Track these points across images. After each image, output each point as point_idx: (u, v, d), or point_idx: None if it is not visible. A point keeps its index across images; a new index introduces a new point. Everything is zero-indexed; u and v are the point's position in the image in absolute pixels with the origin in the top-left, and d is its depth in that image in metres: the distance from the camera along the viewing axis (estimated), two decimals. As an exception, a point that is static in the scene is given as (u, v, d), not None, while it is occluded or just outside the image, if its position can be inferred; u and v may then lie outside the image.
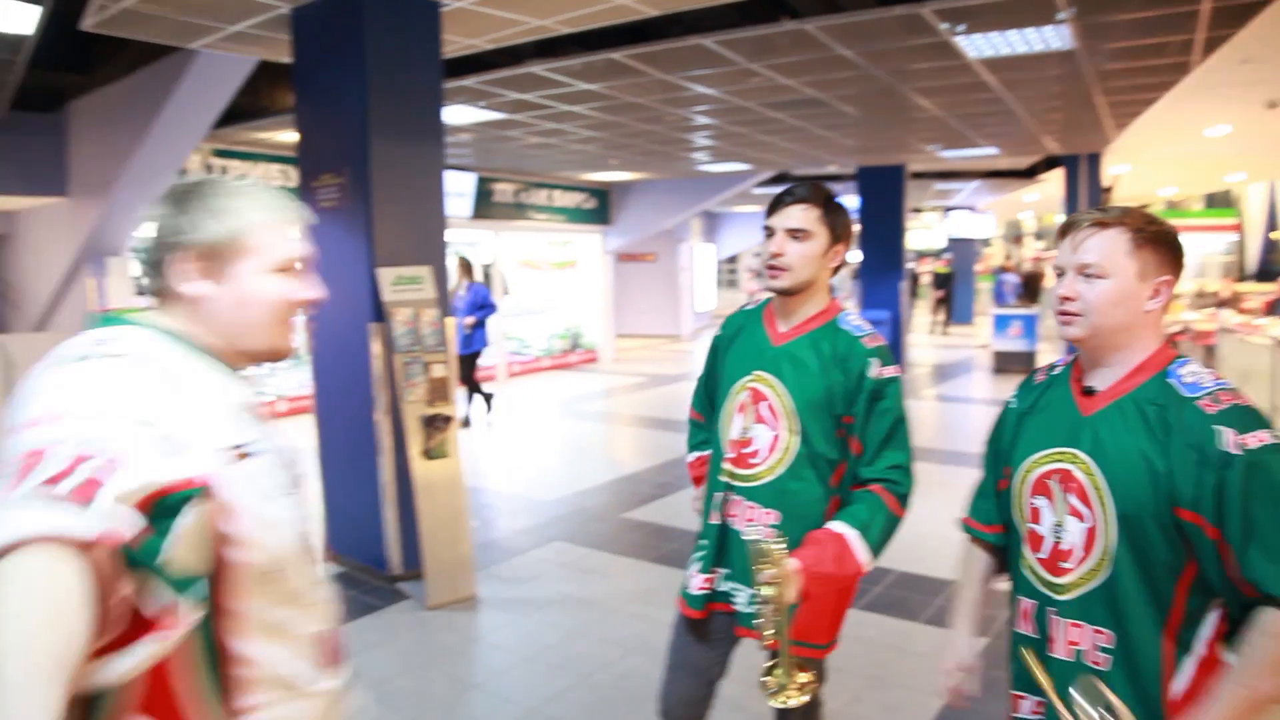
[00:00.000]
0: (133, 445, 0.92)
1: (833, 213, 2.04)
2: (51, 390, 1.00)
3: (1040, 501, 1.57)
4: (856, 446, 2.01)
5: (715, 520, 2.10)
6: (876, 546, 1.96)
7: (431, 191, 4.70)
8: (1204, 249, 19.95)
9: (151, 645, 0.85)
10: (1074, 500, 1.51)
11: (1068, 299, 1.51)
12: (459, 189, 11.16)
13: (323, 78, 4.59)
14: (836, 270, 2.10)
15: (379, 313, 4.39)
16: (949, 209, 18.62)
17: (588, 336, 14.52)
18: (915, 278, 17.13)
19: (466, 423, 8.70)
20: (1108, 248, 1.48)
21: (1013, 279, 15.37)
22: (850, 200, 15.67)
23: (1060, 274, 1.54)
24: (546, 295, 14.11)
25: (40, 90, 7.34)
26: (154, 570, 0.84)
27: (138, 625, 0.83)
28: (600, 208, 14.51)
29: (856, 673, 3.35)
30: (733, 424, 2.10)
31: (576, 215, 14.07)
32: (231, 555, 1.07)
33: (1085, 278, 1.49)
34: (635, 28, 5.55)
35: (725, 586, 2.09)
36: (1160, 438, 1.42)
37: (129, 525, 0.84)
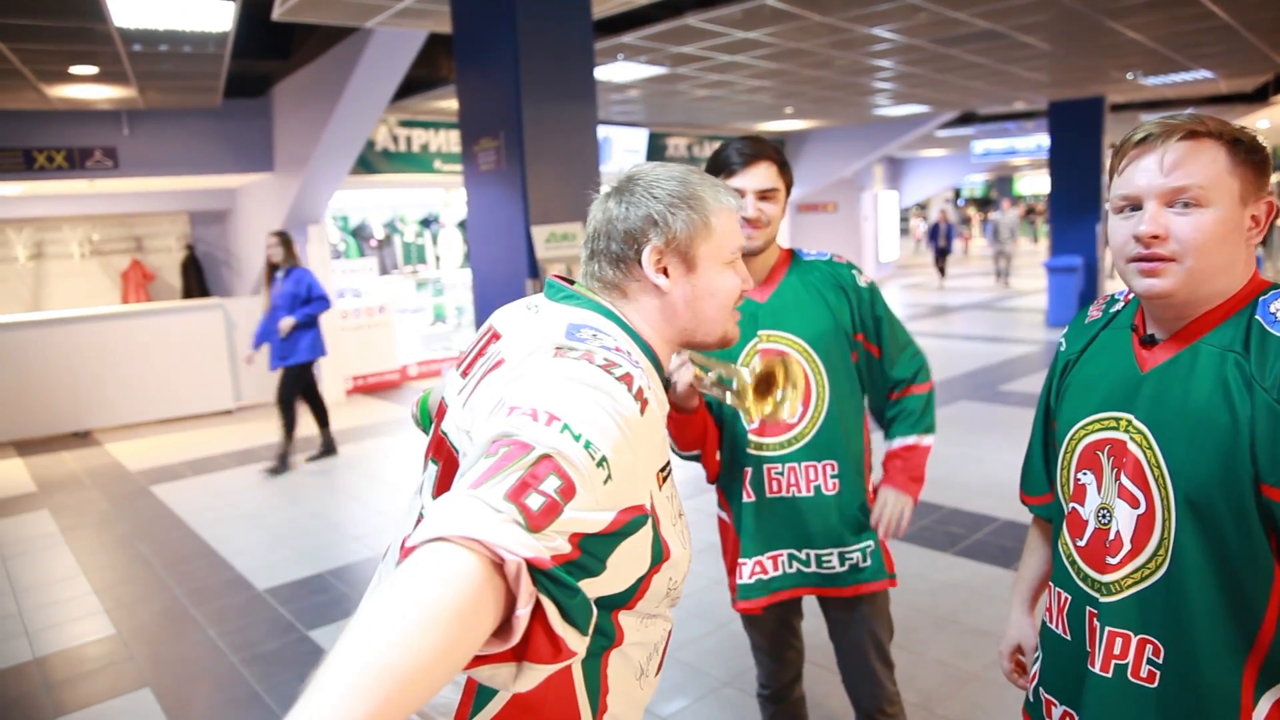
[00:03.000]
0: (597, 475, 0.88)
1: (785, 165, 2.00)
2: (554, 382, 0.96)
3: (1087, 478, 1.25)
4: (875, 351, 2.04)
5: (749, 498, 2.00)
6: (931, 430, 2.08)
7: (584, 149, 4.82)
8: None
9: (545, 669, 0.82)
10: (1126, 481, 1.19)
11: (1156, 238, 1.13)
12: (630, 146, 11.31)
13: (478, 45, 4.78)
14: None
15: (535, 269, 4.58)
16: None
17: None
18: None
19: (279, 469, 6.27)
20: (1207, 164, 1.11)
21: (1236, 217, 13.76)
22: (1041, 139, 14.54)
23: (1128, 207, 1.17)
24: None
25: (248, 78, 8.10)
26: (561, 596, 0.79)
27: (529, 645, 0.80)
28: (774, 159, 14.24)
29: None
30: None
31: (749, 168, 13.88)
32: (646, 578, 1.06)
33: (1181, 207, 1.12)
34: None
35: (791, 568, 2.01)
36: (1240, 395, 1.09)
37: (558, 551, 0.82)
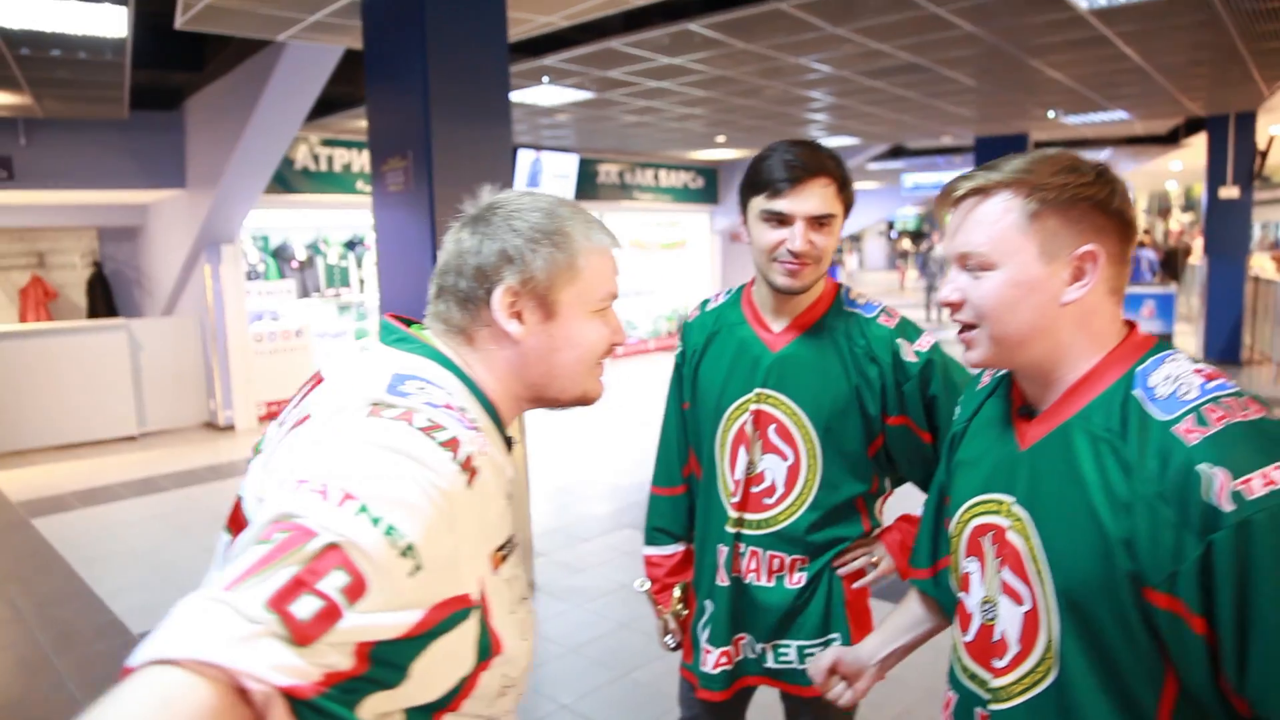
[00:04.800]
0: (400, 566, 0.73)
1: (846, 183, 1.60)
2: (357, 450, 0.81)
3: (972, 566, 1.12)
4: (926, 436, 1.66)
5: (724, 581, 1.71)
6: None
7: (497, 172, 4.64)
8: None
9: None
10: (1008, 574, 1.05)
11: (951, 305, 1.07)
12: (561, 171, 11.18)
13: (388, 61, 4.60)
14: None
15: (443, 296, 4.38)
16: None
17: (695, 318, 14.35)
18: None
19: None
20: (992, 224, 1.02)
21: (1149, 255, 14.26)
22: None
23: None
24: (654, 276, 14.01)
25: (160, 90, 7.77)
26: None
27: None
28: (708, 187, 14.30)
29: (914, 685, 3.10)
30: (733, 461, 1.69)
31: (684, 195, 13.90)
32: (471, 676, 0.88)
33: (969, 271, 1.05)
34: (720, -3, 5.35)
35: (753, 654, 1.73)
36: (1116, 484, 0.95)
37: (334, 668, 0.66)
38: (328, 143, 9.17)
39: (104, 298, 9.66)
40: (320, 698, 0.63)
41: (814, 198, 1.54)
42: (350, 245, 10.86)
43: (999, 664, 1.06)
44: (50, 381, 7.73)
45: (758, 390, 1.65)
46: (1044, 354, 1.03)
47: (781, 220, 1.56)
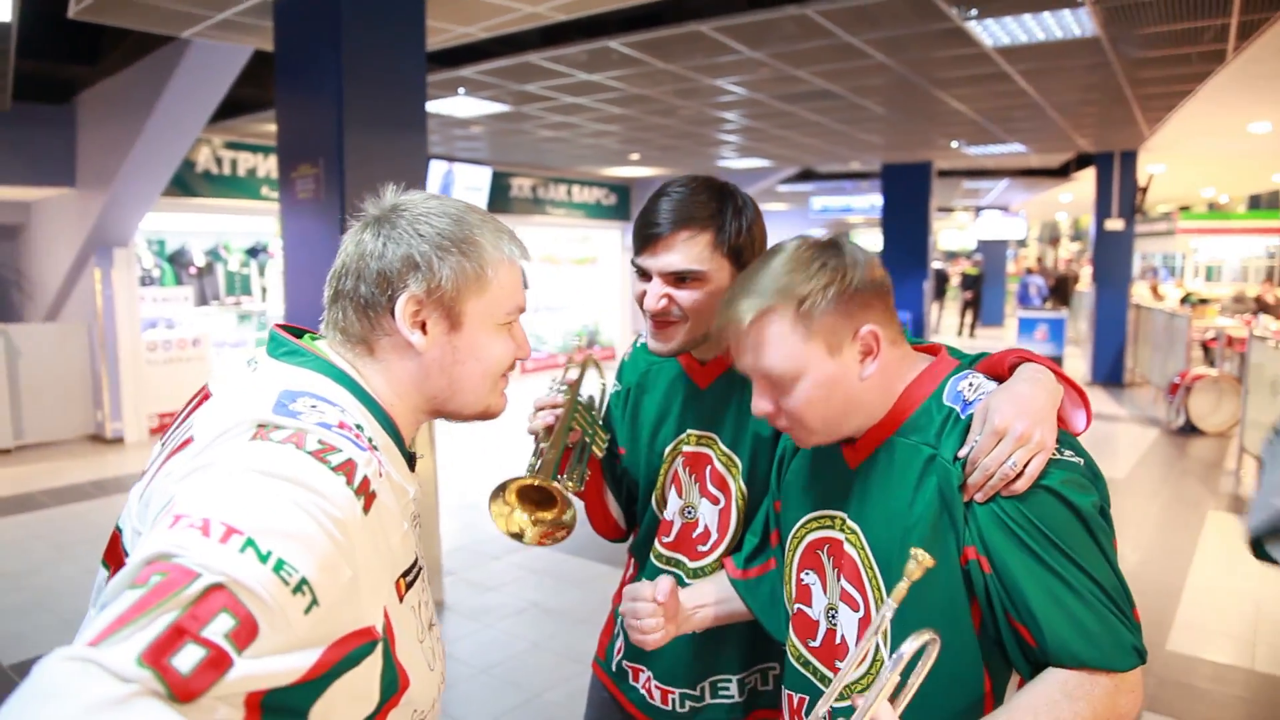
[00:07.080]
0: (294, 605, 0.68)
1: (731, 230, 1.38)
2: (241, 479, 0.74)
3: (810, 578, 1.19)
4: None
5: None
6: None
7: (412, 183, 4.51)
8: (1246, 253, 19.30)
9: None
10: (845, 583, 1.12)
11: (768, 416, 1.12)
12: (473, 183, 11.05)
13: (300, 65, 4.46)
14: None
15: (353, 307, 4.26)
16: (980, 209, 18.21)
17: (605, 334, 14.38)
18: (944, 278, 16.79)
19: None
20: (779, 344, 1.06)
21: (1038, 281, 14.97)
22: (874, 199, 15.34)
23: None
24: (565, 292, 13.97)
25: (49, 82, 7.35)
26: None
27: None
28: (621, 204, 14.36)
29: None
30: (662, 502, 1.56)
31: (596, 211, 13.92)
32: (377, 715, 0.83)
33: (774, 387, 1.09)
34: (641, 15, 5.37)
35: (684, 706, 1.55)
36: (931, 495, 1.03)
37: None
38: (232, 146, 8.85)
39: (-21, 300, 9.07)
40: None
41: (674, 253, 1.37)
42: (253, 252, 10.49)
43: (839, 665, 1.13)
44: (-83, 389, 7.20)
45: (688, 431, 1.53)
46: (862, 416, 1.11)
47: (645, 274, 1.43)
